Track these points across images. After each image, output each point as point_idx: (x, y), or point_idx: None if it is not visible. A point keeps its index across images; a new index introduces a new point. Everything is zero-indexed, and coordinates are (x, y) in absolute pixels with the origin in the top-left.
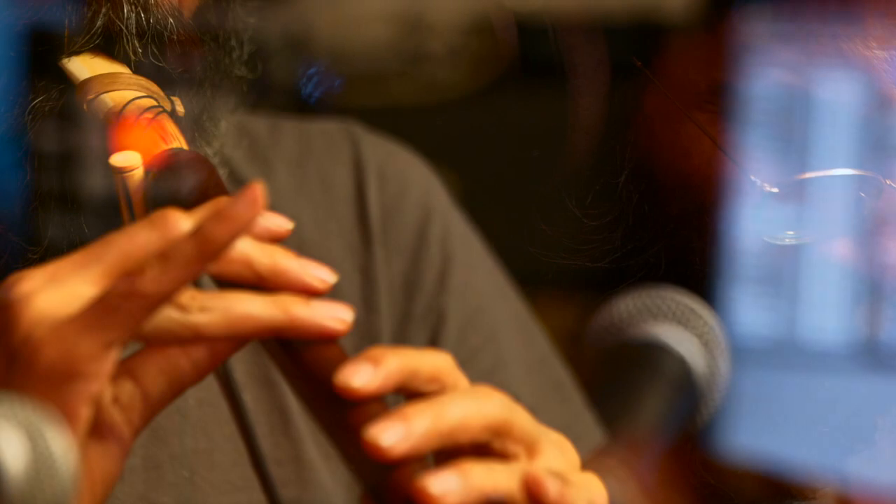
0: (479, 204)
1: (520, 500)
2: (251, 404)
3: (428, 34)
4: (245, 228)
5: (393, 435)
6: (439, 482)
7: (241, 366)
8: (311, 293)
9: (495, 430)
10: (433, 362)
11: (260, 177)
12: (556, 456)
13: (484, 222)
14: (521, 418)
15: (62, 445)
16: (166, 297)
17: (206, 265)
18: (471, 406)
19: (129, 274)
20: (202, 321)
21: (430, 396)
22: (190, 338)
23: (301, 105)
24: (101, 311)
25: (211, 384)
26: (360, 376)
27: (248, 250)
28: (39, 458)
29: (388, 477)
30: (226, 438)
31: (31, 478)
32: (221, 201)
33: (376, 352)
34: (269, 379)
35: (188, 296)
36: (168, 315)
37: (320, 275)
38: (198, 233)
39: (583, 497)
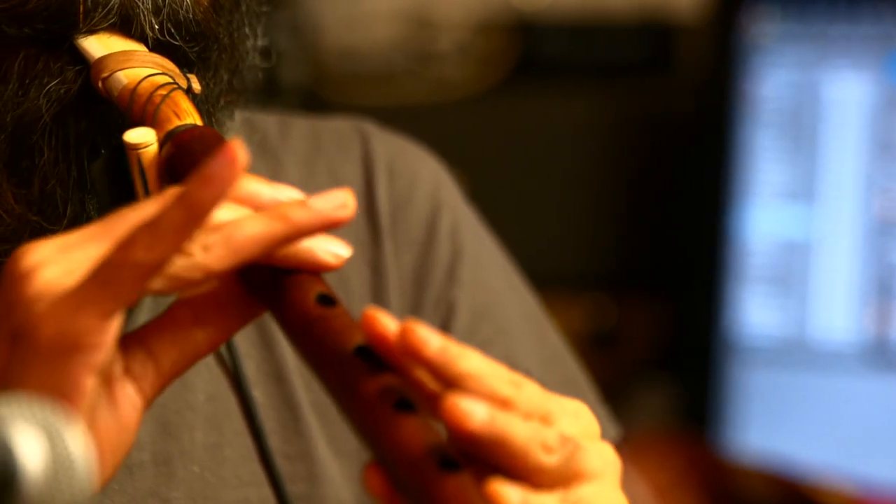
0: (486, 202)
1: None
2: (261, 399)
3: (436, 33)
4: (228, 187)
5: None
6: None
7: (251, 362)
8: (322, 269)
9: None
10: (470, 364)
11: (269, 173)
12: (570, 423)
13: (491, 221)
14: (528, 392)
15: (80, 445)
16: (159, 264)
17: (195, 228)
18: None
19: (122, 245)
20: (208, 260)
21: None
22: (202, 279)
23: (309, 105)
24: (95, 282)
25: (220, 379)
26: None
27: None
28: (58, 458)
29: (392, 440)
30: (235, 433)
31: (50, 478)
32: (203, 165)
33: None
34: (280, 375)
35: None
36: (176, 264)
37: (334, 249)
38: (182, 197)
39: (596, 459)
